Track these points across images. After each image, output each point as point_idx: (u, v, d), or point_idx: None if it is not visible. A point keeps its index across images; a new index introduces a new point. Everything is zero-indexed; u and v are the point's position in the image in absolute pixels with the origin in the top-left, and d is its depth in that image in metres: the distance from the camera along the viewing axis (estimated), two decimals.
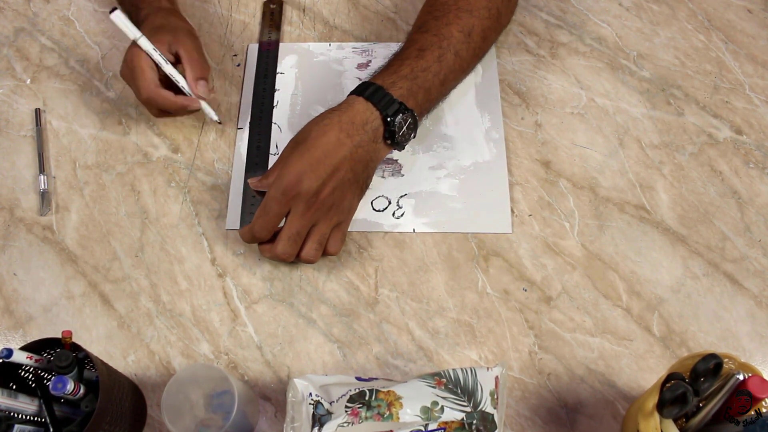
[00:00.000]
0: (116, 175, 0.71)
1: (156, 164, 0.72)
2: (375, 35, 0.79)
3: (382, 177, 0.69)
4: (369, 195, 0.68)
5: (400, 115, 0.62)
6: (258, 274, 0.65)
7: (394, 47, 0.76)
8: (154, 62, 0.67)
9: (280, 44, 0.79)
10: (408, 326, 0.62)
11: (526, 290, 0.64)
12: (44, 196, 0.70)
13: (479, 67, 0.76)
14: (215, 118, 0.72)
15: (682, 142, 0.71)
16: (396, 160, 0.70)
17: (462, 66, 0.68)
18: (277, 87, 0.76)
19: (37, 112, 0.75)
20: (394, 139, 0.63)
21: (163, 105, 0.68)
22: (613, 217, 0.67)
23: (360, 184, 0.64)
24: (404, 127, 0.63)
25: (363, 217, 0.67)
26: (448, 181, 0.69)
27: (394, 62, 0.66)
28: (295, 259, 0.63)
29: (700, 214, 0.67)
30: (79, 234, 0.68)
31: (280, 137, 0.73)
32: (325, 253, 0.63)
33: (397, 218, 0.67)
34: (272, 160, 0.71)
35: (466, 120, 0.73)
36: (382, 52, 0.78)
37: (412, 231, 0.67)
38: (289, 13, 0.82)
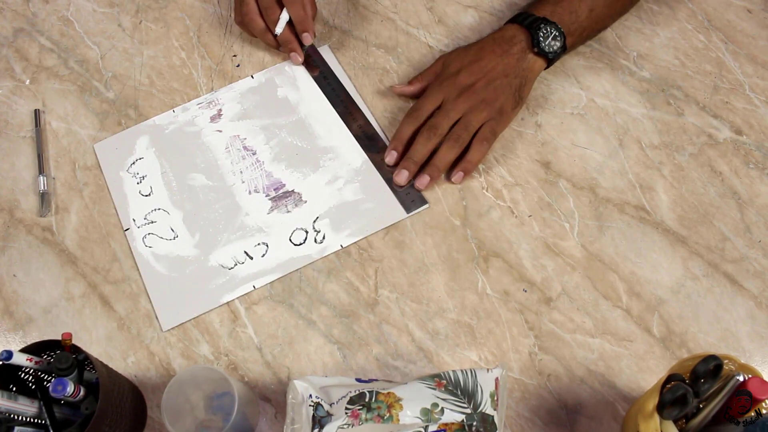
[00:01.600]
0: None
1: None
2: (374, 35, 0.79)
3: (288, 212, 0.68)
4: (285, 234, 0.67)
5: (542, 24, 0.69)
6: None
7: (236, 87, 0.76)
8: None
9: (128, 129, 0.74)
10: (408, 327, 0.62)
11: (526, 291, 0.64)
12: (44, 197, 0.70)
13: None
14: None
15: (682, 142, 0.71)
16: (293, 191, 0.69)
17: None
18: (143, 174, 0.71)
19: (37, 113, 0.75)
20: (540, 45, 0.69)
21: (252, 32, 0.77)
22: (613, 217, 0.67)
23: (514, 93, 0.69)
24: (549, 37, 0.69)
25: (289, 257, 0.66)
26: (350, 187, 0.69)
27: None
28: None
29: (700, 214, 0.67)
30: (79, 235, 0.68)
31: (170, 219, 0.68)
32: (465, 162, 0.68)
33: (320, 243, 0.66)
34: (175, 245, 0.67)
35: (337, 125, 0.73)
36: (227, 96, 0.76)
37: (340, 247, 0.66)
38: None
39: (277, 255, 0.66)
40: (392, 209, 0.68)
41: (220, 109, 0.75)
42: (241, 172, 0.71)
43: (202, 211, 0.69)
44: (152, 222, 0.68)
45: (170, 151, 0.73)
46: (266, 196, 0.69)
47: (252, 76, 0.77)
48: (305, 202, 0.69)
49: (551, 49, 0.69)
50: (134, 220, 0.69)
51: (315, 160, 0.71)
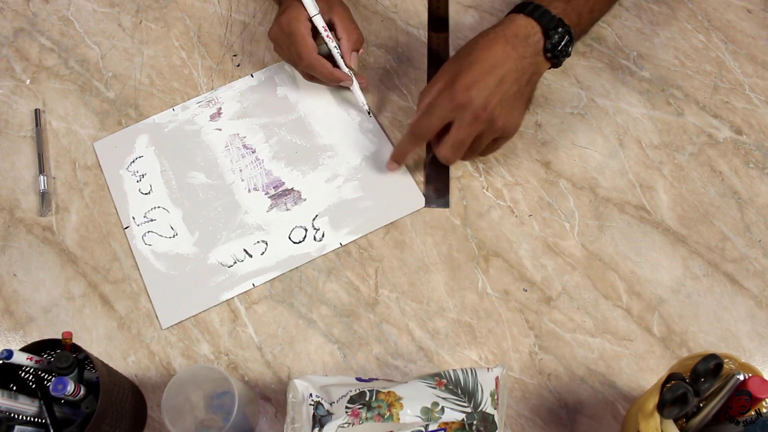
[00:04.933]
0: None
1: None
2: (375, 35, 0.79)
3: (287, 210, 0.68)
4: (284, 232, 0.67)
5: (560, 29, 0.62)
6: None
7: (235, 85, 0.76)
8: (315, 34, 0.68)
9: (128, 127, 0.74)
10: (408, 327, 0.62)
11: (526, 290, 0.64)
12: (44, 197, 0.70)
13: None
14: (365, 106, 0.71)
15: (682, 142, 0.71)
16: (292, 189, 0.69)
17: None
18: (142, 172, 0.71)
19: (37, 113, 0.75)
20: (554, 52, 0.62)
21: (321, 74, 0.69)
22: (613, 217, 0.67)
23: (525, 98, 0.63)
24: (563, 42, 0.62)
25: (288, 254, 0.66)
26: (349, 185, 0.69)
27: None
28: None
29: (700, 214, 0.67)
30: (79, 235, 0.68)
31: (170, 217, 0.69)
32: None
33: (319, 240, 0.67)
34: (174, 243, 0.67)
35: (336, 123, 0.73)
36: (227, 95, 0.75)
37: (339, 245, 0.66)
38: None
39: (276, 253, 0.66)
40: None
41: (220, 108, 0.75)
42: (240, 170, 0.71)
43: (202, 210, 0.69)
44: (152, 220, 0.68)
45: (170, 150, 0.73)
46: (265, 194, 0.69)
47: (252, 75, 0.77)
48: (304, 200, 0.69)
49: (563, 56, 0.63)
50: (134, 218, 0.69)
51: (314, 158, 0.71)
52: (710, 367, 0.46)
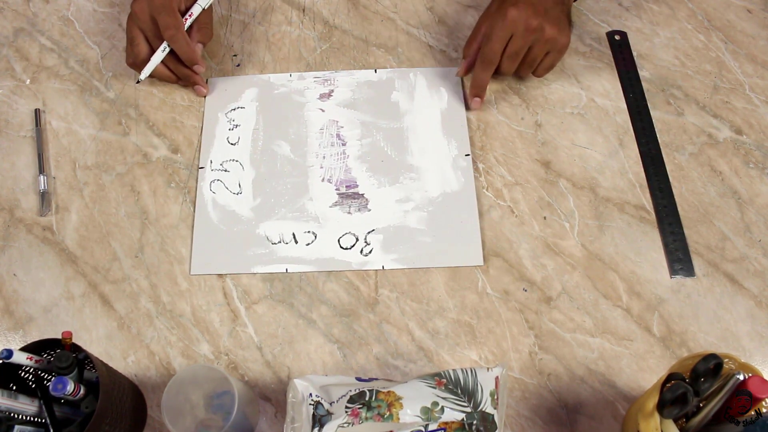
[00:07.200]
0: (116, 176, 0.71)
1: (156, 165, 0.72)
2: (375, 35, 0.79)
3: (348, 213, 0.68)
4: (336, 232, 0.67)
5: None
6: (258, 274, 0.65)
7: (356, 74, 0.76)
8: None
9: (241, 77, 0.77)
10: (408, 327, 0.62)
11: (526, 290, 0.64)
12: (44, 197, 0.70)
13: (444, 92, 0.75)
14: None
15: (682, 142, 0.71)
16: (362, 195, 0.69)
17: None
18: (237, 122, 0.73)
19: (37, 113, 0.75)
20: None
21: (182, 47, 0.72)
22: (613, 217, 0.67)
23: (566, 17, 0.70)
24: None
25: (330, 255, 0.65)
26: (416, 213, 0.67)
27: None
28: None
29: (700, 214, 0.67)
30: (79, 234, 0.68)
31: (242, 175, 0.70)
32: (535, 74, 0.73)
33: (366, 255, 0.65)
34: (236, 200, 0.69)
35: (432, 148, 0.71)
36: (344, 81, 0.76)
37: (381, 268, 0.65)
38: (289, 13, 0.82)
39: (320, 249, 0.66)
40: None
41: (332, 90, 0.75)
42: (323, 157, 0.71)
43: (273, 179, 0.70)
44: (225, 171, 0.70)
45: (270, 111, 0.74)
46: (336, 189, 0.69)
47: (375, 71, 0.77)
48: (369, 210, 0.68)
49: None
50: (211, 162, 0.71)
51: (396, 173, 0.70)
52: (710, 367, 0.46)
